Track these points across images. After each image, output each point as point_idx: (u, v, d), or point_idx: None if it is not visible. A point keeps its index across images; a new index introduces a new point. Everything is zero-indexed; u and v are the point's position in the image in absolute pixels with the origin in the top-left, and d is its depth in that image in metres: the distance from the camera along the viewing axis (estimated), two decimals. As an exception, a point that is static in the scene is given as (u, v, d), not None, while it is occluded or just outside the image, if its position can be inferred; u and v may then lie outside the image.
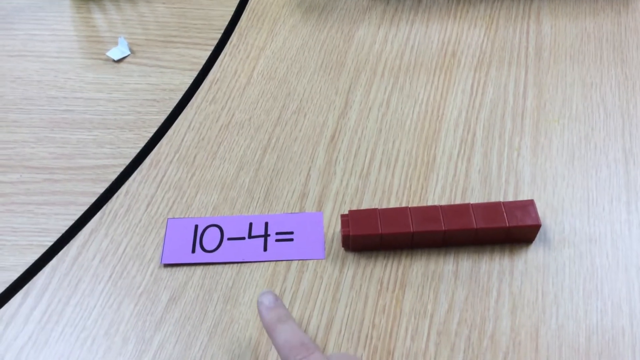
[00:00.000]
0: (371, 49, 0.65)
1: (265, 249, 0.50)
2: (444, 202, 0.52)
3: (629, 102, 0.58)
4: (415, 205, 0.52)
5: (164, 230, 0.52)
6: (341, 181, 0.54)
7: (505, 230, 0.47)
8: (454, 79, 0.61)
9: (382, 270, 0.49)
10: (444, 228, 0.47)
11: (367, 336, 0.46)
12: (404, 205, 0.52)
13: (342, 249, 0.50)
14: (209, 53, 0.65)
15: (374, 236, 0.47)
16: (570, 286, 0.47)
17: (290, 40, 0.66)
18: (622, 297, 0.47)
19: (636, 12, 0.66)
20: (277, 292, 0.48)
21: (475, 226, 0.47)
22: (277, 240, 0.51)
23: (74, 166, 0.56)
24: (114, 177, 0.55)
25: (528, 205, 0.48)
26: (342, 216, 0.49)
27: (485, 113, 0.58)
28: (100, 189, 0.55)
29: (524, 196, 0.52)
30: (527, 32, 0.65)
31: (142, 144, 0.58)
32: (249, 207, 0.53)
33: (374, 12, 0.68)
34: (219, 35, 0.67)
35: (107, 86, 0.63)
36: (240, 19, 0.69)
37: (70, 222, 0.52)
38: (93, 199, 0.54)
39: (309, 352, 0.38)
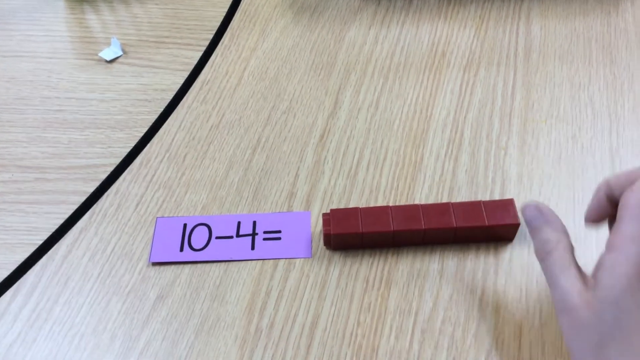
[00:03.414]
0: (361, 49, 0.65)
1: (252, 248, 0.51)
2: (430, 202, 0.53)
3: (617, 103, 0.59)
4: (402, 204, 0.52)
5: (153, 229, 0.52)
6: (329, 181, 0.55)
7: (485, 229, 0.47)
8: (443, 79, 0.62)
9: (368, 269, 0.49)
10: (424, 227, 0.47)
11: (352, 334, 0.46)
12: (391, 204, 0.52)
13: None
14: (200, 53, 0.66)
15: (355, 235, 0.48)
16: (554, 285, 0.47)
17: (282, 41, 0.67)
18: (605, 296, 0.47)
19: (626, 12, 0.67)
20: (263, 290, 0.48)
21: (454, 225, 0.47)
22: (264, 239, 0.51)
23: (65, 166, 0.57)
24: (104, 176, 0.56)
25: (508, 205, 0.48)
26: (324, 215, 0.49)
27: (474, 113, 0.59)
28: (91, 188, 0.55)
29: (510, 195, 0.52)
30: (517, 33, 0.65)
31: (132, 144, 0.58)
32: (238, 206, 0.53)
33: (365, 13, 0.69)
34: (211, 36, 0.68)
35: (99, 86, 0.63)
36: (233, 19, 0.69)
37: (61, 221, 0.53)
38: (83, 198, 0.54)
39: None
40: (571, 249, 0.39)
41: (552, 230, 0.40)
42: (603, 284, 0.35)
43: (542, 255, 0.39)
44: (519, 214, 0.48)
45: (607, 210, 0.39)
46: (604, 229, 0.50)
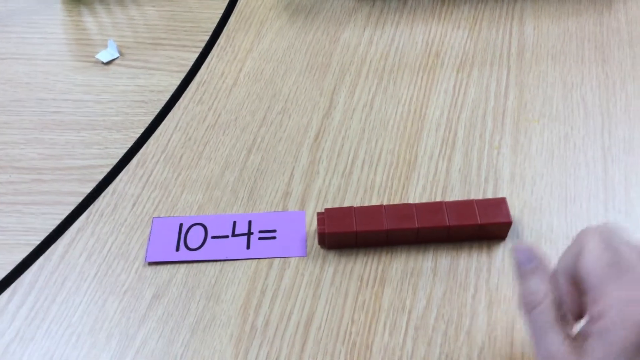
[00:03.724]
0: (356, 50, 0.66)
1: (248, 247, 0.51)
2: (424, 201, 0.53)
3: (609, 102, 0.59)
4: (396, 203, 0.53)
5: (149, 229, 0.53)
6: (324, 180, 0.55)
7: (477, 227, 0.48)
8: (437, 79, 0.62)
9: (362, 267, 0.50)
10: (417, 225, 0.48)
11: (346, 331, 0.46)
12: (385, 203, 0.53)
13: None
14: (196, 55, 0.67)
15: (349, 234, 0.48)
16: (546, 282, 0.48)
17: (277, 42, 0.67)
18: (597, 293, 0.47)
19: (618, 12, 0.67)
20: (258, 289, 0.49)
21: (447, 223, 0.48)
22: (260, 239, 0.52)
23: (62, 167, 0.57)
24: (101, 177, 0.56)
25: (500, 203, 0.49)
26: (318, 214, 0.50)
27: (467, 113, 0.59)
28: (88, 188, 0.56)
29: (502, 194, 0.53)
30: (510, 33, 0.66)
31: (129, 145, 0.59)
32: (233, 206, 0.54)
33: (360, 14, 0.69)
34: (207, 38, 0.68)
35: (95, 88, 0.64)
36: (228, 21, 0.70)
37: (58, 222, 0.53)
38: (80, 199, 0.55)
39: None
40: (557, 304, 0.36)
41: (542, 281, 0.37)
42: (594, 355, 0.33)
43: (527, 308, 0.37)
44: (511, 213, 0.49)
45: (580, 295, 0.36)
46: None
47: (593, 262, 0.34)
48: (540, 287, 0.37)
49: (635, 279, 0.33)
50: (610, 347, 0.32)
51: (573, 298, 0.36)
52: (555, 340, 0.35)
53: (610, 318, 0.32)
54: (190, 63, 0.66)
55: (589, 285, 0.34)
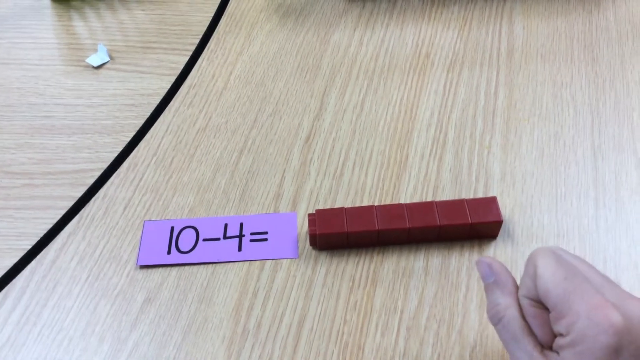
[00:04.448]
0: (347, 51, 0.66)
1: (239, 249, 0.51)
2: (415, 201, 0.53)
3: (599, 100, 0.59)
4: (387, 203, 0.53)
5: (141, 232, 0.53)
6: (315, 182, 0.55)
7: (468, 226, 0.48)
8: (427, 80, 0.62)
9: (354, 268, 0.50)
10: (408, 226, 0.48)
11: (338, 332, 0.46)
12: (376, 204, 0.53)
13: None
14: (187, 58, 0.67)
15: (340, 234, 0.48)
16: (537, 280, 0.48)
17: (267, 44, 0.67)
18: (588, 291, 0.47)
19: (607, 11, 0.68)
20: (250, 290, 0.49)
21: (438, 223, 0.48)
22: (251, 241, 0.52)
23: (53, 171, 0.57)
24: (92, 181, 0.56)
25: (490, 202, 0.49)
26: (309, 215, 0.50)
27: (457, 113, 0.59)
28: (79, 192, 0.55)
29: (493, 193, 0.53)
30: (500, 33, 0.66)
31: (120, 148, 0.59)
32: (225, 209, 0.54)
33: (350, 16, 0.69)
34: (197, 41, 0.68)
35: (86, 92, 0.64)
36: (219, 24, 0.70)
37: (49, 226, 0.53)
38: (71, 203, 0.55)
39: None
40: (520, 315, 0.37)
41: (502, 294, 0.38)
42: None
43: (493, 321, 0.38)
44: (502, 212, 0.49)
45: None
46: (585, 223, 0.51)
47: (550, 280, 0.35)
48: (501, 300, 0.38)
49: (594, 287, 0.34)
50: (587, 355, 0.32)
51: (541, 320, 0.36)
52: (526, 350, 0.36)
53: (580, 328, 0.33)
54: (181, 66, 0.66)
55: (551, 302, 0.35)
